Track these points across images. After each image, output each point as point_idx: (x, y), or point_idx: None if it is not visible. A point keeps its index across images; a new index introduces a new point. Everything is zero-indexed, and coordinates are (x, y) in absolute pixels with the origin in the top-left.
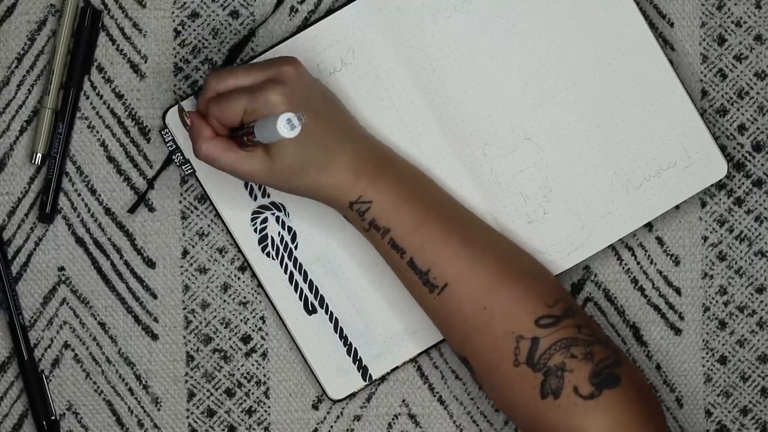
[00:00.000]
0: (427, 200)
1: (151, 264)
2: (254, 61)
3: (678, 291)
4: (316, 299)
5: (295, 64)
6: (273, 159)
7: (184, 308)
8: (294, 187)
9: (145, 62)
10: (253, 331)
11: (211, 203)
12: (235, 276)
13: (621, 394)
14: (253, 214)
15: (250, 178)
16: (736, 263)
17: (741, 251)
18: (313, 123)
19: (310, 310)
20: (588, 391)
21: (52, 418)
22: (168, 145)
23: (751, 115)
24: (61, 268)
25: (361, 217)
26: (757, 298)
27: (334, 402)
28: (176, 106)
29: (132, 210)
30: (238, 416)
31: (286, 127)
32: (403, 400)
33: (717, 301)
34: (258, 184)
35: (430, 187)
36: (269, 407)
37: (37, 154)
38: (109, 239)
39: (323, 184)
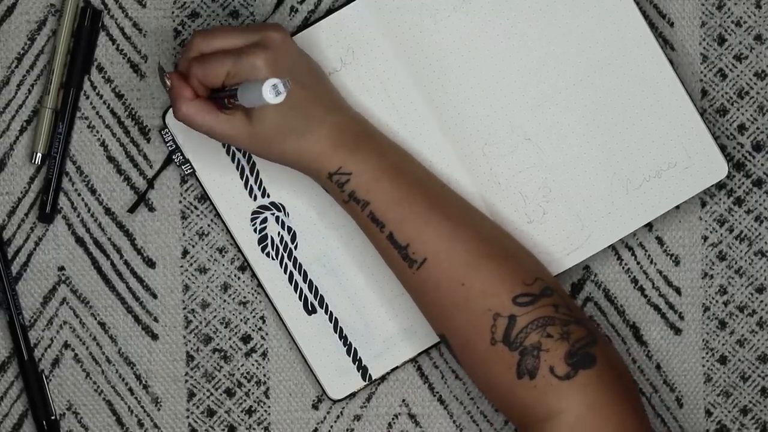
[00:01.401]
0: (409, 175)
1: (151, 264)
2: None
3: (678, 291)
4: (315, 299)
5: (280, 30)
6: (253, 123)
7: (184, 308)
8: (273, 154)
9: (146, 62)
10: (253, 330)
11: (211, 203)
12: (235, 276)
13: (596, 375)
14: (252, 214)
15: (228, 141)
16: (736, 263)
17: (741, 251)
18: (296, 90)
19: (310, 310)
20: (564, 371)
21: (52, 417)
22: (168, 144)
23: (751, 115)
24: (61, 268)
25: (340, 189)
26: (757, 298)
27: (334, 402)
28: (157, 67)
29: (132, 210)
30: (238, 416)
31: (272, 92)
32: (403, 400)
33: (717, 301)
34: (237, 147)
35: (411, 162)
36: (269, 407)
37: (37, 153)
38: (109, 239)
39: (303, 152)
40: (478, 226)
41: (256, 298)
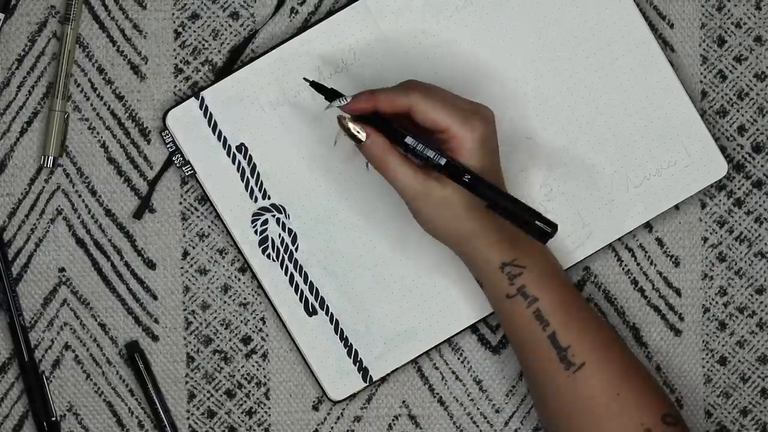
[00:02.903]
0: (566, 278)
1: (151, 265)
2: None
3: (678, 292)
4: (316, 301)
5: (491, 112)
6: (429, 186)
7: (185, 309)
8: (439, 226)
9: (146, 63)
10: (254, 332)
11: (212, 204)
12: (235, 277)
13: None
14: (253, 215)
15: (398, 187)
16: (736, 264)
17: (741, 252)
18: (492, 174)
19: (311, 312)
20: None
21: (53, 419)
22: (168, 146)
23: (751, 116)
24: (62, 269)
25: (510, 281)
26: (757, 299)
27: (335, 403)
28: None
29: (138, 215)
30: (239, 417)
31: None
32: (404, 401)
33: (717, 302)
34: (419, 212)
35: (557, 262)
36: (269, 408)
37: (48, 157)
38: (110, 240)
39: (476, 236)
40: (619, 338)
41: (256, 299)
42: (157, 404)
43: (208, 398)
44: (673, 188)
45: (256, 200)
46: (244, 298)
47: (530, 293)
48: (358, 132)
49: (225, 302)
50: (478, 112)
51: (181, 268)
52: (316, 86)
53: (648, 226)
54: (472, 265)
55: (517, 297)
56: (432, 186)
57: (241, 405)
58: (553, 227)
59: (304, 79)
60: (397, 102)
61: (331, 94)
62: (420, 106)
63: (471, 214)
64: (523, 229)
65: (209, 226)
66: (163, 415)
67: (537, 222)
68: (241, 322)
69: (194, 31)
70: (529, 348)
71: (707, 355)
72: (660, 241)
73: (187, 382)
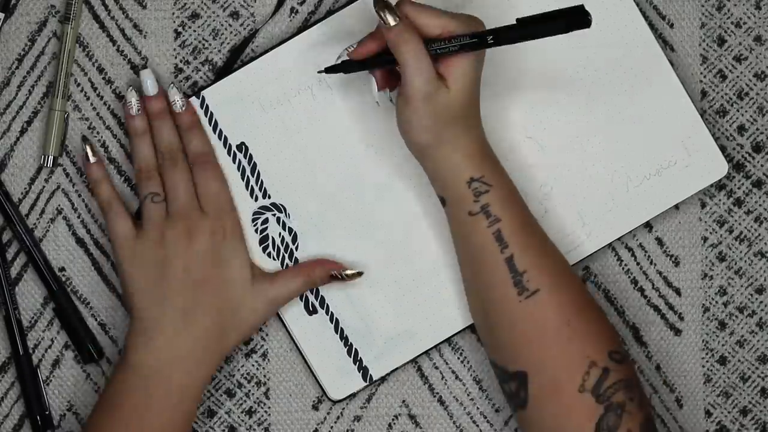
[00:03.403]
0: (527, 206)
1: None
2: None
3: (678, 291)
4: (316, 300)
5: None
6: (449, 93)
7: None
8: (426, 132)
9: (146, 63)
10: None
11: None
12: None
13: None
14: (253, 215)
15: (414, 82)
16: (735, 264)
17: (741, 252)
18: (478, 91)
19: (311, 311)
20: None
21: (46, 413)
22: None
23: (751, 116)
24: (62, 269)
25: (475, 198)
26: (756, 299)
27: (334, 402)
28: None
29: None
30: (239, 417)
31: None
32: (403, 401)
33: (717, 302)
34: (412, 116)
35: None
36: (269, 408)
37: (48, 156)
38: (110, 240)
39: (455, 147)
40: (577, 275)
41: None
42: None
43: (208, 397)
44: (673, 188)
45: (256, 199)
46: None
47: (493, 213)
48: (389, 15)
49: None
50: (472, 17)
51: None
52: (332, 70)
53: (648, 225)
54: (438, 178)
55: (479, 215)
56: (441, 90)
57: (241, 404)
58: (580, 9)
59: (319, 72)
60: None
61: (345, 66)
62: (422, 20)
63: (455, 123)
64: (564, 31)
65: None
66: None
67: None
68: None
69: (194, 31)
70: (484, 269)
71: (707, 354)
72: (660, 241)
73: None
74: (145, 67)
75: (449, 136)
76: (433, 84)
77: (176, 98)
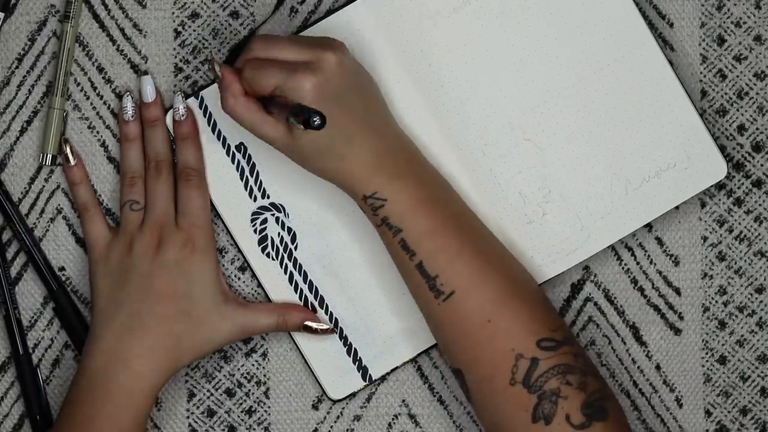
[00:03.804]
0: (445, 207)
1: None
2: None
3: (678, 291)
4: (316, 299)
5: (338, 52)
6: (294, 136)
7: None
8: (310, 168)
9: (146, 62)
10: None
11: (211, 203)
12: (235, 276)
13: (609, 428)
14: (252, 214)
15: (269, 143)
16: (735, 263)
17: (741, 251)
18: (340, 114)
19: (310, 310)
20: (579, 420)
21: (46, 413)
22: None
23: (751, 116)
24: (62, 269)
25: (373, 212)
26: (756, 299)
27: (334, 402)
28: (207, 63)
29: None
30: (238, 416)
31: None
32: (403, 400)
33: (716, 302)
34: (283, 153)
35: (450, 194)
36: (269, 407)
37: (47, 155)
38: None
39: (340, 173)
40: (507, 266)
41: (256, 298)
42: None
43: (208, 397)
44: (672, 190)
45: (255, 199)
46: (244, 297)
47: (393, 224)
48: (218, 70)
49: None
50: (310, 61)
51: None
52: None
53: (648, 225)
54: (351, 197)
55: (383, 227)
56: (282, 134)
57: (241, 404)
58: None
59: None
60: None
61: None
62: (259, 49)
63: (322, 156)
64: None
65: None
66: None
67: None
68: None
69: (194, 30)
70: (404, 274)
71: (707, 354)
72: (660, 241)
73: (186, 381)
74: (146, 73)
75: (326, 166)
76: (282, 139)
77: (180, 106)
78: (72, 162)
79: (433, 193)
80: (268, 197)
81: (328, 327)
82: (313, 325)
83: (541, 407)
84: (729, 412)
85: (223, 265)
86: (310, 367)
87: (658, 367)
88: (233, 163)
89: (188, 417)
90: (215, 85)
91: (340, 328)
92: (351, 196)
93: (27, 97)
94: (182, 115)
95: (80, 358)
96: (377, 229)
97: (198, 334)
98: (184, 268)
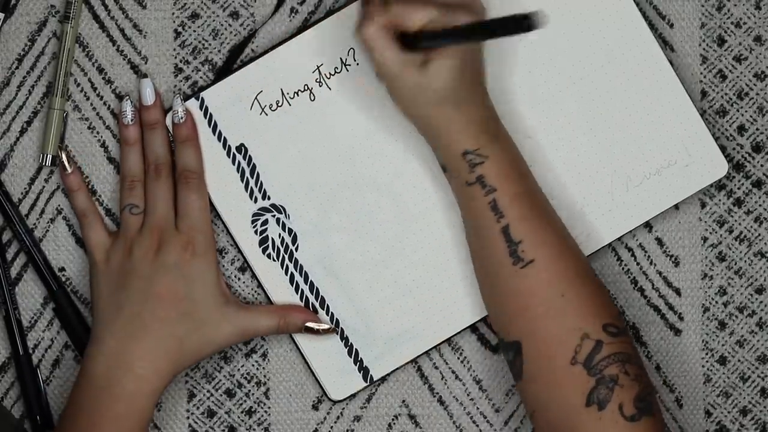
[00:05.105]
0: (531, 177)
1: None
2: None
3: (678, 291)
4: (317, 300)
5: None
6: (426, 74)
7: None
8: (419, 112)
9: (146, 63)
10: None
11: (212, 204)
12: (235, 277)
13: (654, 426)
14: (253, 216)
15: (392, 80)
16: (735, 264)
17: (741, 252)
18: (470, 67)
19: (311, 311)
20: (630, 412)
21: (46, 413)
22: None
23: (751, 116)
24: (62, 269)
25: (470, 169)
26: (756, 299)
27: (334, 402)
28: None
29: None
30: (239, 417)
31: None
32: (403, 401)
33: (717, 302)
34: (392, 92)
35: (529, 168)
36: (269, 408)
37: (47, 155)
38: None
39: (451, 121)
40: (577, 247)
41: (256, 299)
42: None
43: (208, 398)
44: (673, 187)
45: (256, 200)
46: (245, 298)
47: (488, 183)
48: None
49: None
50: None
51: None
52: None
53: (648, 225)
54: (438, 150)
55: (475, 185)
56: (412, 71)
57: (241, 404)
58: (529, 16)
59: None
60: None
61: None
62: (400, 15)
63: (442, 102)
64: (513, 33)
65: None
66: None
67: (518, 17)
68: None
69: (194, 31)
70: (482, 237)
71: (707, 354)
72: (660, 241)
73: (186, 382)
74: (145, 75)
75: (440, 112)
76: (413, 76)
77: (179, 109)
78: (69, 169)
79: (522, 161)
80: (269, 198)
81: (329, 327)
82: (314, 325)
83: (597, 392)
84: (729, 412)
85: (224, 266)
86: (310, 368)
87: (658, 368)
88: (234, 164)
89: (188, 417)
90: (215, 87)
91: (341, 328)
92: (442, 150)
93: (27, 98)
94: (181, 118)
95: (82, 361)
96: (464, 189)
97: (199, 335)
98: (185, 271)
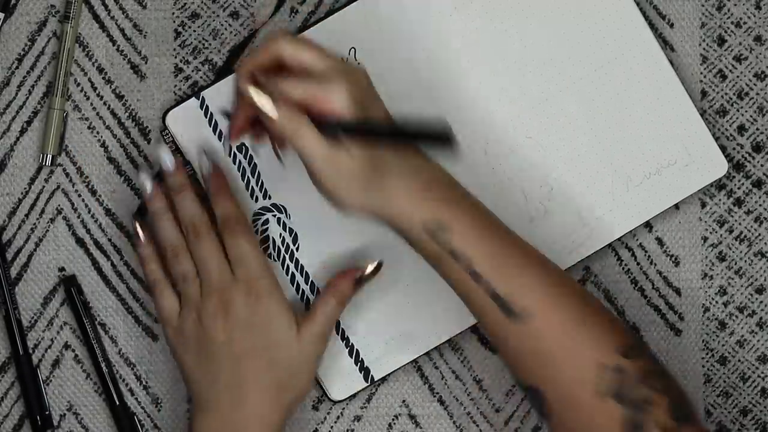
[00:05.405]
0: (498, 226)
1: None
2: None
3: (678, 291)
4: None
5: (363, 73)
6: (336, 160)
7: None
8: (351, 204)
9: (146, 63)
10: None
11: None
12: None
13: (694, 430)
14: (254, 215)
15: (308, 162)
16: (735, 264)
17: (741, 252)
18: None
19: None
20: (670, 425)
21: (46, 413)
22: (168, 146)
23: (751, 116)
24: (62, 269)
25: (438, 244)
26: (756, 299)
27: (335, 402)
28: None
29: (142, 213)
30: None
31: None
32: (404, 401)
33: (717, 302)
34: (315, 184)
35: (491, 212)
36: None
37: (47, 155)
38: (110, 240)
39: (399, 197)
40: (571, 279)
41: None
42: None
43: None
44: (673, 187)
45: (256, 200)
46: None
47: (461, 253)
48: (264, 104)
49: None
50: (352, 67)
51: None
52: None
53: (648, 225)
54: (397, 232)
55: (446, 258)
56: (342, 157)
57: None
58: (445, 130)
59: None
60: (269, 54)
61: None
62: (289, 49)
63: (379, 180)
64: (427, 146)
65: None
66: (98, 352)
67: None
68: None
69: (194, 31)
70: (471, 302)
71: (707, 354)
72: (660, 241)
73: None
74: (156, 142)
75: (384, 195)
76: (328, 162)
77: (204, 163)
78: (143, 239)
79: (485, 211)
80: (270, 198)
81: (374, 266)
82: (363, 273)
83: (632, 418)
84: (729, 412)
85: None
86: None
87: None
88: (234, 163)
89: (188, 417)
90: (215, 86)
91: (342, 329)
92: (401, 231)
93: (27, 98)
94: (208, 170)
95: (189, 430)
96: (435, 261)
97: (293, 373)
98: (256, 320)
